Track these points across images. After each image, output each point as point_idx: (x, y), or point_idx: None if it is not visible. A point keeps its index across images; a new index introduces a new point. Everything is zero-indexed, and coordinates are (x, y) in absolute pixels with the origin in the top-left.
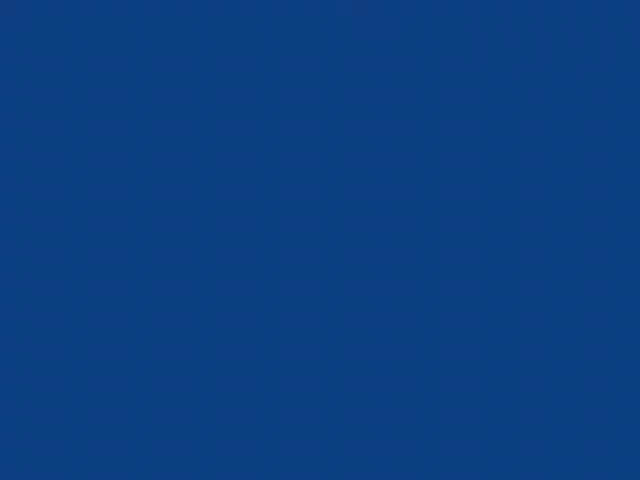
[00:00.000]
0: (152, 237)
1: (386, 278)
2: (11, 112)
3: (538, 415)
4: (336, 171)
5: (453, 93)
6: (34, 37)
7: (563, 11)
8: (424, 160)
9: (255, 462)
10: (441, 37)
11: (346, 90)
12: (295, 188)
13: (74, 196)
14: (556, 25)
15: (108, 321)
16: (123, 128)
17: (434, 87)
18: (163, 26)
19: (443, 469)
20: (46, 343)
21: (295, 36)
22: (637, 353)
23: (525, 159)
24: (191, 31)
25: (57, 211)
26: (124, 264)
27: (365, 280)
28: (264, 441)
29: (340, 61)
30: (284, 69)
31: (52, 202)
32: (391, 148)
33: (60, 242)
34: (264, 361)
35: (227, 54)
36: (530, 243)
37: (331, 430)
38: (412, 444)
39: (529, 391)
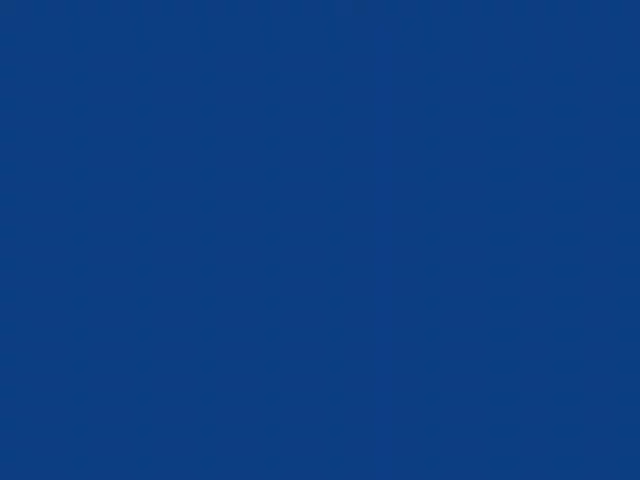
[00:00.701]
0: (152, 237)
1: (386, 278)
2: (11, 112)
3: (538, 415)
4: (336, 171)
5: (453, 93)
6: (34, 37)
7: (563, 11)
8: (424, 160)
9: (255, 462)
10: (441, 37)
11: (346, 90)
12: (295, 188)
13: (74, 196)
14: (556, 25)
15: (108, 321)
16: (123, 128)
17: (434, 87)
18: (163, 26)
19: (443, 469)
20: (46, 343)
21: (295, 36)
22: (637, 353)
23: (525, 159)
24: (191, 31)
25: (57, 211)
26: (124, 264)
27: (365, 280)
28: (264, 441)
29: (340, 61)
30: (284, 69)
31: (52, 202)
32: (391, 148)
33: (60, 242)
34: (264, 361)
35: (227, 54)
36: (530, 243)
37: (331, 430)
38: (412, 444)
39: (529, 391)
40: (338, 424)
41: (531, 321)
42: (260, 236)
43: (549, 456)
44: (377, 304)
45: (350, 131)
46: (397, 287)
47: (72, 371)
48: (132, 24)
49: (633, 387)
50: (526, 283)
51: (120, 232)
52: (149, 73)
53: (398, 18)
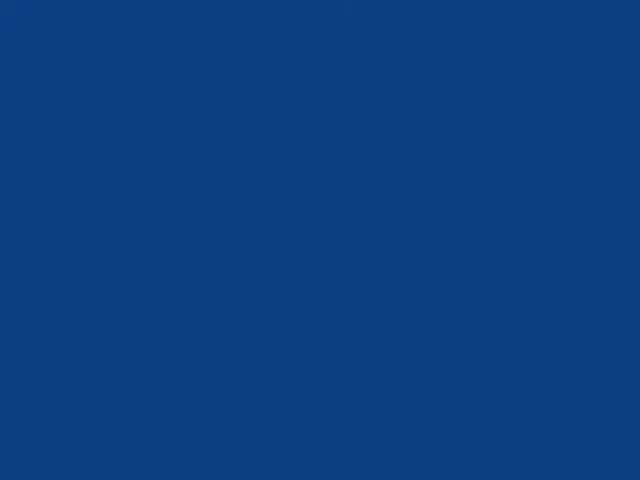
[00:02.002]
0: (152, 237)
1: (385, 277)
2: (11, 112)
3: (538, 415)
4: (334, 171)
5: (452, 93)
6: (34, 37)
7: (563, 11)
8: (423, 160)
9: (254, 462)
10: (441, 37)
11: (345, 90)
12: (292, 188)
13: (74, 196)
14: (555, 25)
15: (108, 321)
16: (123, 128)
17: (433, 87)
18: (164, 26)
19: (443, 469)
20: (46, 343)
21: (295, 36)
22: (637, 353)
23: (525, 159)
24: (191, 31)
25: (57, 211)
26: (124, 264)
27: (364, 280)
28: (264, 441)
29: (340, 61)
30: (284, 69)
31: (52, 202)
32: (390, 148)
33: (60, 242)
34: (263, 361)
35: (227, 54)
36: (530, 243)
37: (330, 430)
38: (411, 444)
39: (529, 391)
40: (337, 424)
41: (530, 321)
42: (259, 236)
43: (549, 456)
44: (377, 304)
45: (348, 130)
46: (396, 287)
47: (72, 371)
48: (132, 24)
49: (633, 387)
50: (525, 283)
51: (120, 232)
52: (150, 73)
53: (398, 18)
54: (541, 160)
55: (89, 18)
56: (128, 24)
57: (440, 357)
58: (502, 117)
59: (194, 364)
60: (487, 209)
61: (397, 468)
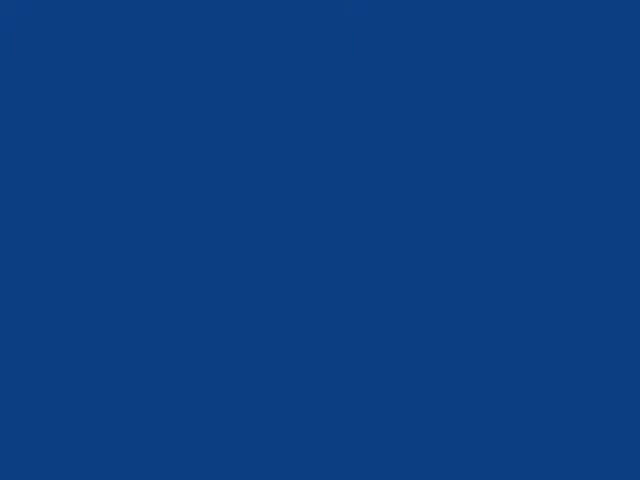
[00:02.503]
0: (152, 236)
1: (383, 277)
2: (11, 112)
3: (537, 416)
4: (332, 171)
5: (450, 93)
6: (34, 37)
7: (561, 11)
8: (419, 159)
9: (253, 462)
10: (439, 37)
11: (343, 89)
12: (290, 188)
13: (74, 195)
14: (554, 26)
15: (107, 321)
16: (123, 128)
17: (431, 87)
18: (164, 26)
19: (442, 469)
20: (46, 343)
21: (295, 36)
22: (637, 353)
23: (525, 159)
24: (191, 31)
25: (57, 210)
26: (123, 264)
27: (362, 280)
28: (262, 441)
29: (340, 61)
30: (284, 69)
31: (52, 202)
32: (388, 147)
33: (60, 241)
34: (260, 362)
35: (226, 55)
36: (528, 243)
37: (328, 430)
38: (408, 443)
39: (528, 392)
40: (334, 424)
41: (529, 321)
42: (258, 236)
43: (547, 456)
44: (376, 303)
45: (346, 130)
46: (394, 287)
47: (72, 370)
48: (133, 24)
49: (633, 387)
50: (525, 283)
51: (119, 231)
52: (149, 73)
53: (398, 18)
54: (541, 160)
55: (89, 18)
56: (128, 24)
57: (440, 357)
58: (502, 117)
59: (194, 363)
60: (487, 209)
61: (397, 468)
